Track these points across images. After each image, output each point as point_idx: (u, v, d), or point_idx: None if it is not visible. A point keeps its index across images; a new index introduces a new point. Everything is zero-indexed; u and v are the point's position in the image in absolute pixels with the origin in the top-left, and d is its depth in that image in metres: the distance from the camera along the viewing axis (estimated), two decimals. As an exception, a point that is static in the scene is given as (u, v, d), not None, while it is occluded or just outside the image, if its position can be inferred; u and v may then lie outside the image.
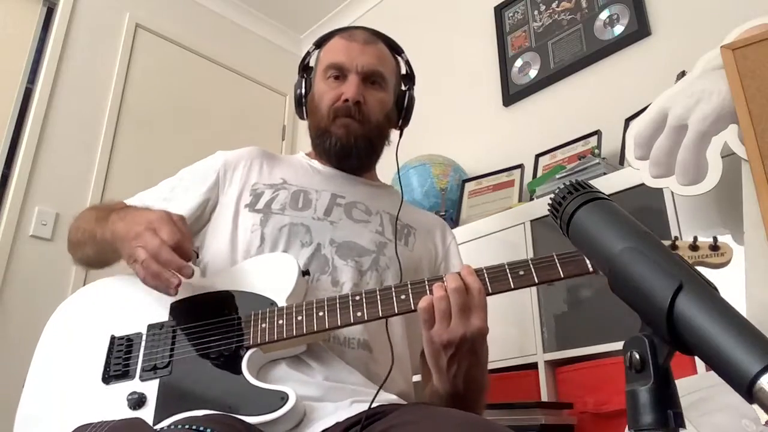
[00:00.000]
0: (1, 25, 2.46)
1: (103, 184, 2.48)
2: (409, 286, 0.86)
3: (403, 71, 1.23)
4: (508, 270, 0.85)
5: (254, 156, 1.16)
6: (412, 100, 1.20)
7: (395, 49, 1.20)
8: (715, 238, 0.84)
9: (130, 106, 2.68)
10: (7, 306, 2.13)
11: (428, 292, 0.85)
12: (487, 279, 0.85)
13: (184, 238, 0.86)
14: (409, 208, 1.22)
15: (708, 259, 0.83)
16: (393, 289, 0.86)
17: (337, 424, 0.80)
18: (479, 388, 0.89)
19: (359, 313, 0.85)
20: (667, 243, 0.84)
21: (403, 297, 0.85)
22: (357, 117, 1.09)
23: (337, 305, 0.86)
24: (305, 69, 1.21)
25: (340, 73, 1.12)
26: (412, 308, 0.84)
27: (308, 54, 1.22)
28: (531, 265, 0.85)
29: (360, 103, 1.09)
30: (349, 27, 1.22)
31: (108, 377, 0.88)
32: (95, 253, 1.01)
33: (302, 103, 1.19)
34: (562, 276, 0.83)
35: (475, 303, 0.81)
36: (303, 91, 1.18)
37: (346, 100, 1.08)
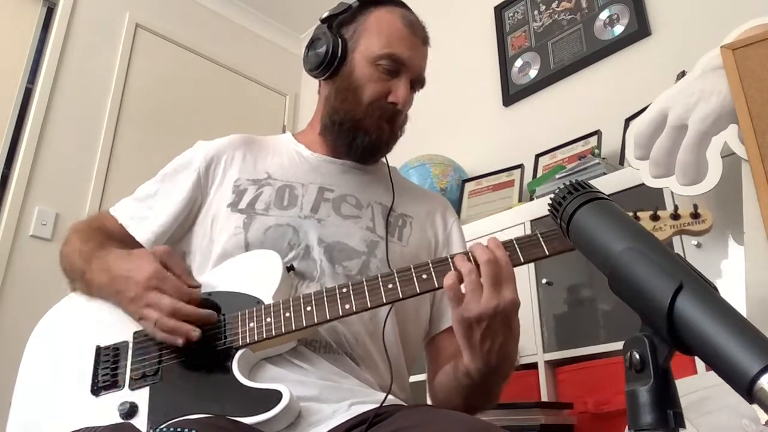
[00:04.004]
0: (1, 25, 2.47)
1: (103, 184, 2.48)
2: (396, 275, 0.84)
3: None
4: (540, 238, 0.83)
5: (236, 147, 1.08)
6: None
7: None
8: (695, 206, 0.84)
9: (129, 106, 2.68)
10: (7, 306, 2.14)
11: (414, 280, 0.83)
12: (517, 248, 0.83)
13: (187, 286, 0.86)
14: (406, 190, 1.13)
15: (690, 226, 0.84)
16: (380, 278, 0.84)
17: (338, 426, 0.79)
18: (512, 362, 0.86)
19: (347, 306, 0.83)
20: (648, 213, 0.84)
21: (390, 286, 0.83)
22: (393, 124, 1.03)
23: (325, 299, 0.84)
24: (343, 23, 1.05)
25: (394, 68, 1.01)
26: (400, 297, 0.83)
27: (350, 7, 1.05)
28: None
29: (401, 112, 1.03)
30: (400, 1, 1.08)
31: (97, 389, 0.86)
32: (89, 290, 0.96)
33: (332, 64, 1.03)
34: None
35: (505, 274, 0.79)
36: (333, 48, 1.02)
37: (394, 104, 1.01)
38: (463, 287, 0.79)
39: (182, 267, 0.90)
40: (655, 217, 0.84)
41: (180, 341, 0.82)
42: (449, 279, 0.79)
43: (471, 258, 0.81)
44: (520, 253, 0.83)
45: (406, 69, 1.02)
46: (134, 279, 0.86)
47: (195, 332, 0.82)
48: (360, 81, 1.01)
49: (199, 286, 0.88)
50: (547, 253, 0.83)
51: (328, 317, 0.83)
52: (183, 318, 0.83)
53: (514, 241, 0.84)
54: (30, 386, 0.92)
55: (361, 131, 1.02)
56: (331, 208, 1.01)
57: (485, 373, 0.83)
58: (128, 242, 1.04)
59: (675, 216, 0.84)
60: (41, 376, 0.92)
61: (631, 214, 0.85)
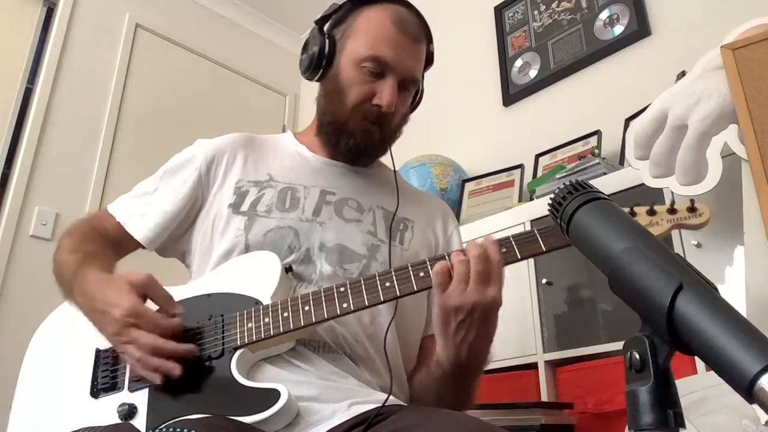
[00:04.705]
0: (1, 25, 2.47)
1: (103, 184, 2.48)
2: (393, 273, 0.84)
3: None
4: (537, 234, 0.84)
5: (237, 146, 1.08)
6: (422, 94, 1.13)
7: (429, 38, 1.08)
8: (692, 200, 0.84)
9: (130, 106, 2.68)
10: (7, 306, 2.14)
11: (412, 278, 0.83)
12: (514, 245, 0.84)
13: (169, 314, 0.83)
14: (407, 194, 1.13)
15: (687, 220, 0.84)
16: (377, 277, 0.84)
17: (337, 426, 0.79)
18: (482, 360, 0.87)
19: (345, 305, 0.83)
20: (644, 208, 0.84)
21: (387, 284, 0.83)
22: (381, 125, 1.02)
23: (323, 298, 0.84)
24: (334, 24, 1.05)
25: (379, 70, 0.99)
26: (398, 294, 0.83)
27: (341, 8, 1.05)
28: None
29: (390, 113, 1.01)
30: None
31: (96, 391, 0.86)
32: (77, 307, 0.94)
33: (320, 66, 1.03)
34: None
35: (494, 273, 0.80)
36: (320, 50, 1.03)
37: (379, 106, 0.99)
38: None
39: (163, 295, 0.86)
40: (651, 212, 0.84)
41: (159, 381, 0.81)
42: (438, 265, 0.81)
43: (466, 254, 0.82)
44: (516, 249, 0.84)
45: (391, 70, 1.00)
46: (111, 315, 0.82)
47: (176, 370, 0.80)
48: (345, 83, 1.01)
49: (180, 315, 0.85)
50: (544, 249, 0.83)
51: (326, 316, 0.83)
52: (164, 355, 0.80)
53: (511, 238, 0.85)
54: (30, 389, 0.92)
55: (345, 133, 1.02)
56: (333, 211, 1.01)
57: (455, 365, 0.84)
58: (125, 241, 1.04)
59: (672, 210, 0.84)
60: (41, 380, 0.92)
61: (627, 209, 0.85)
